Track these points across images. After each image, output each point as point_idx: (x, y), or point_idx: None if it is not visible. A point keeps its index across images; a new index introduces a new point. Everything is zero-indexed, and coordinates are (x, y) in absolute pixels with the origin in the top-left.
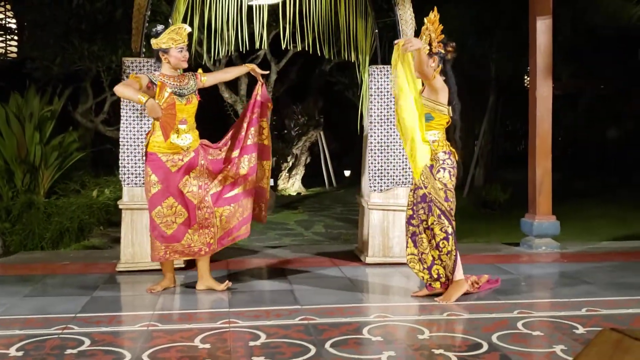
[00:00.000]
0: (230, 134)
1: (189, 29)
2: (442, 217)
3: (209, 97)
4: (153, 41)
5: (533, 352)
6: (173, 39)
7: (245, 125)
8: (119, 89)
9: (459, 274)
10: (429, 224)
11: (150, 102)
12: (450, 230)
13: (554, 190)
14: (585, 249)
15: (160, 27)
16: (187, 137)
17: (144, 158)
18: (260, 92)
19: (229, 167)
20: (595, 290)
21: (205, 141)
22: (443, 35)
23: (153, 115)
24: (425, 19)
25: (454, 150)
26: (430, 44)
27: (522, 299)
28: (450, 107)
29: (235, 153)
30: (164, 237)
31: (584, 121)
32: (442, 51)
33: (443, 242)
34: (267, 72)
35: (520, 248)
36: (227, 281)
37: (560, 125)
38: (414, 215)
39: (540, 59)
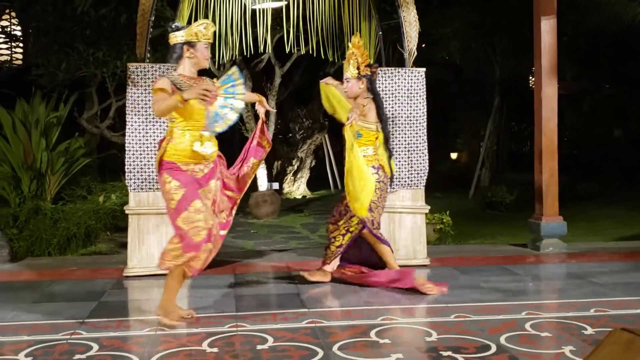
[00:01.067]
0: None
1: (214, 27)
2: (360, 224)
3: None
4: (176, 34)
5: (542, 353)
6: (202, 32)
7: (246, 155)
8: (157, 110)
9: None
10: (340, 224)
11: (186, 93)
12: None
13: (560, 191)
14: (593, 249)
15: (178, 23)
16: (210, 145)
17: (158, 167)
18: (260, 128)
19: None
20: (604, 290)
21: (220, 154)
22: (369, 60)
23: (196, 93)
24: (349, 44)
25: (383, 164)
26: (358, 68)
27: (530, 300)
28: (378, 123)
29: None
30: (189, 245)
31: (589, 121)
32: (369, 73)
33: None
34: (274, 110)
35: (527, 249)
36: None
37: (565, 125)
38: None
39: (545, 59)
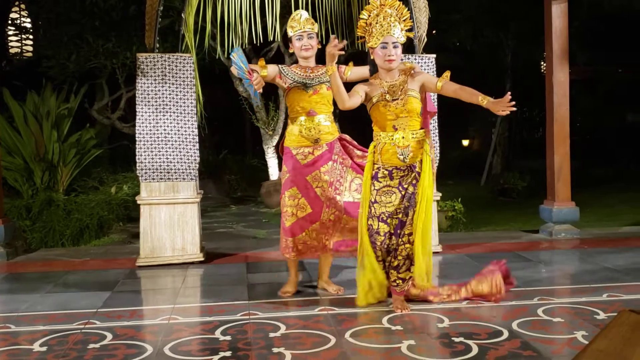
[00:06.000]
0: None
1: (306, 14)
2: None
3: (222, 90)
4: None
5: (554, 339)
6: (291, 26)
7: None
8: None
9: None
10: None
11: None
12: None
13: (573, 177)
14: (606, 235)
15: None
16: (315, 130)
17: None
18: None
19: None
20: (616, 275)
21: (346, 137)
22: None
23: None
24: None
25: None
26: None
27: (542, 286)
28: None
29: None
30: (284, 229)
31: (603, 107)
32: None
33: None
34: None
35: (539, 235)
36: (340, 288)
37: (579, 111)
38: None
39: (556, 44)
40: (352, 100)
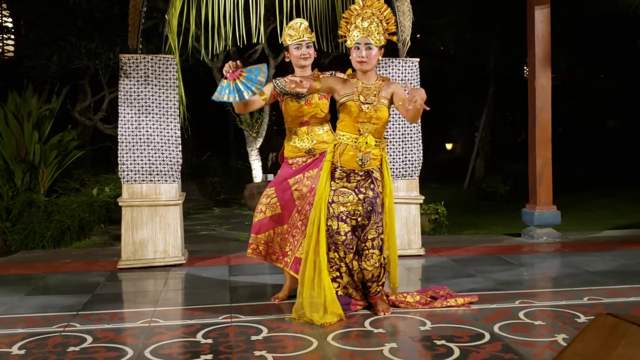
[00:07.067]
0: None
1: (305, 24)
2: None
3: (206, 92)
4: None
5: (535, 342)
6: (289, 34)
7: None
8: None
9: None
10: None
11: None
12: None
13: (555, 181)
14: (587, 239)
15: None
16: (308, 140)
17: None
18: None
19: None
20: (597, 279)
21: None
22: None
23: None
24: (360, 1)
25: None
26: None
27: (524, 289)
28: None
29: None
30: (253, 225)
31: (585, 112)
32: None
33: None
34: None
35: (521, 238)
36: None
37: (561, 116)
38: None
39: (539, 49)
40: (308, 85)
